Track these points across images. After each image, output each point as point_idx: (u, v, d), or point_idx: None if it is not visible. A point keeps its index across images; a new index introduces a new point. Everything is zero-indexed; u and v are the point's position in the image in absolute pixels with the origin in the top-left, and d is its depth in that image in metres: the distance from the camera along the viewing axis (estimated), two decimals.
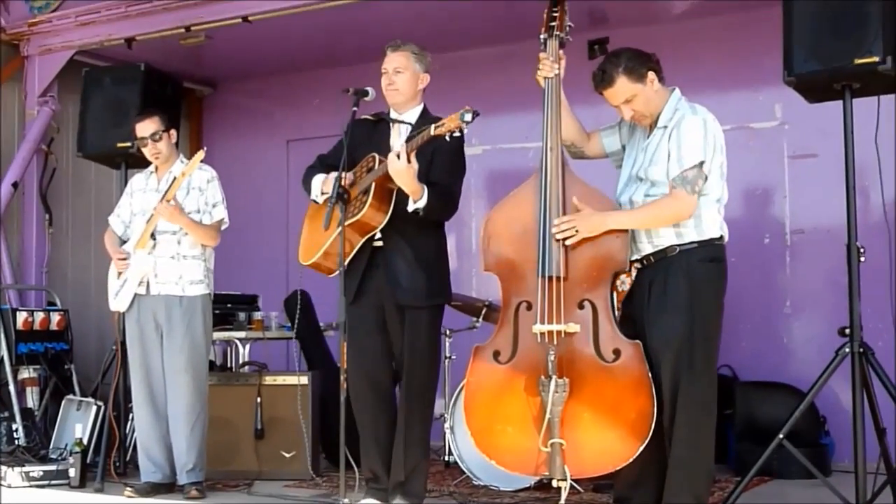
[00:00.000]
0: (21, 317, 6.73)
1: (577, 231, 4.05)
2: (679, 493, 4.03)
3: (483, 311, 6.00)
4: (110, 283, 5.65)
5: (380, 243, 4.64)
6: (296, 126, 8.35)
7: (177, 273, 5.48)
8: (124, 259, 5.55)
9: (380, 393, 4.76)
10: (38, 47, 7.61)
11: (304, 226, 4.89)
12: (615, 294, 4.18)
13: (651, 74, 4.12)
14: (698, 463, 4.06)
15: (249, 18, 6.80)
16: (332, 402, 5.45)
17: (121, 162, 6.65)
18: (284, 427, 5.95)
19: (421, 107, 4.78)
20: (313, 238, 4.73)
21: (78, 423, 6.11)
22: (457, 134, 4.24)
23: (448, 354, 6.08)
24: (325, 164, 4.86)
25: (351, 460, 4.68)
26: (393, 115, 4.78)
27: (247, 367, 6.48)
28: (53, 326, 6.88)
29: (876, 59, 4.45)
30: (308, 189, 4.81)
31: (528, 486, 5.31)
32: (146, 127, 5.58)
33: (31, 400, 6.76)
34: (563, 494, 4.07)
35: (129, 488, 5.50)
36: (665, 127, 4.10)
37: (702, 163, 4.00)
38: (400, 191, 4.48)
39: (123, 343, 5.76)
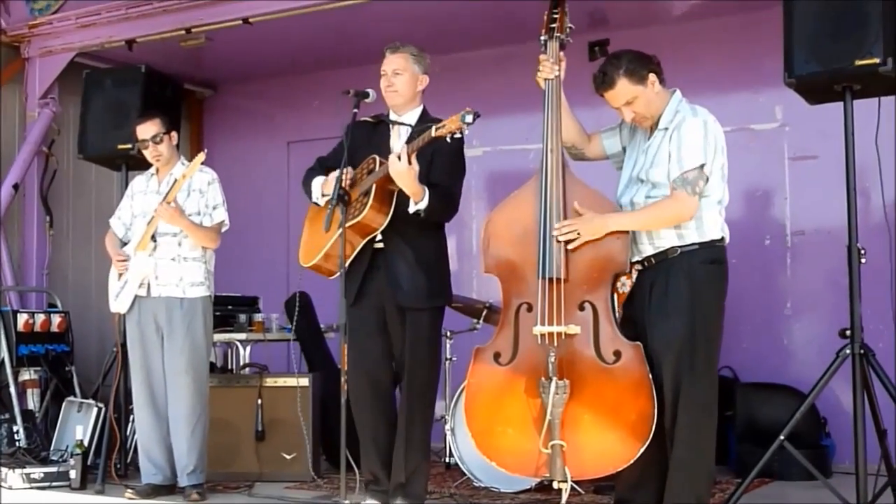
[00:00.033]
0: (22, 318, 6.74)
1: (578, 234, 4.05)
2: (680, 494, 4.03)
3: (484, 313, 5.99)
4: (111, 285, 5.65)
5: (380, 245, 4.64)
6: (296, 128, 8.35)
7: (177, 275, 5.48)
8: (124, 260, 5.55)
9: (380, 395, 4.76)
10: (39, 49, 7.62)
11: (305, 228, 4.89)
12: (616, 296, 4.18)
13: (652, 76, 4.12)
14: (699, 464, 4.06)
15: (250, 20, 6.81)
16: (333, 404, 5.44)
17: (121, 164, 6.64)
18: (285, 429, 5.95)
19: (420, 108, 4.78)
20: (314, 240, 4.73)
21: (79, 424, 6.11)
22: (457, 135, 4.24)
23: (449, 356, 6.09)
24: (324, 166, 4.86)
25: (352, 462, 4.68)
26: (392, 116, 4.78)
27: (247, 369, 6.48)
28: (54, 328, 6.88)
29: (876, 60, 4.45)
30: (308, 192, 4.81)
31: (528, 487, 5.31)
32: (147, 129, 5.58)
33: (32, 402, 6.77)
34: (564, 496, 4.08)
35: (129, 490, 5.50)
36: (666, 129, 4.10)
37: (702, 165, 4.00)
38: (401, 192, 4.48)
39: (124, 345, 5.76)
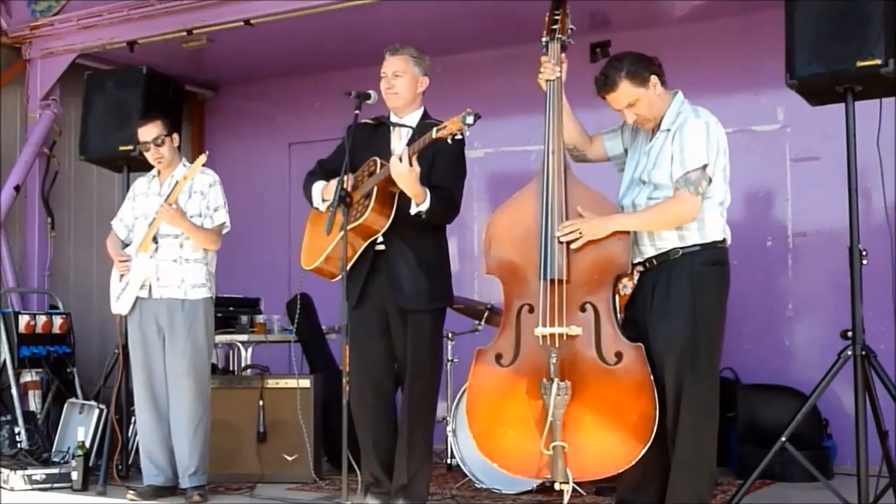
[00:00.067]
0: (23, 320, 6.75)
1: (581, 234, 4.05)
2: (682, 495, 4.03)
3: (485, 314, 5.99)
4: (112, 287, 5.65)
5: (382, 247, 4.64)
6: (297, 129, 8.36)
7: (179, 276, 5.48)
8: (125, 261, 5.55)
9: (381, 397, 4.75)
10: (40, 51, 7.62)
11: (306, 230, 4.89)
12: (617, 298, 4.18)
13: (654, 78, 4.12)
14: (701, 466, 4.06)
15: (251, 21, 6.81)
16: (335, 405, 5.44)
17: (123, 165, 6.65)
18: (287, 430, 5.95)
19: (421, 110, 4.78)
20: (315, 242, 4.73)
21: (80, 426, 6.10)
22: (458, 137, 4.24)
23: (450, 357, 6.08)
24: (325, 168, 4.86)
25: (353, 463, 4.68)
26: (393, 118, 4.78)
27: (249, 371, 6.48)
28: (56, 330, 6.89)
29: (878, 61, 4.45)
30: (308, 197, 4.81)
31: (530, 489, 5.31)
32: (148, 131, 5.58)
33: (34, 403, 6.77)
34: (566, 497, 4.08)
35: (131, 491, 5.50)
36: (668, 130, 4.10)
37: (705, 165, 4.01)
38: (402, 194, 4.48)
39: (125, 346, 5.77)
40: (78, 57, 7.53)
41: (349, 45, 7.26)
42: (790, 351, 6.62)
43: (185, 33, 7.09)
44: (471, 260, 7.51)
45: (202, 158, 5.40)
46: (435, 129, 4.27)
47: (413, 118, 4.75)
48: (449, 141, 4.26)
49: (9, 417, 6.55)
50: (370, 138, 4.77)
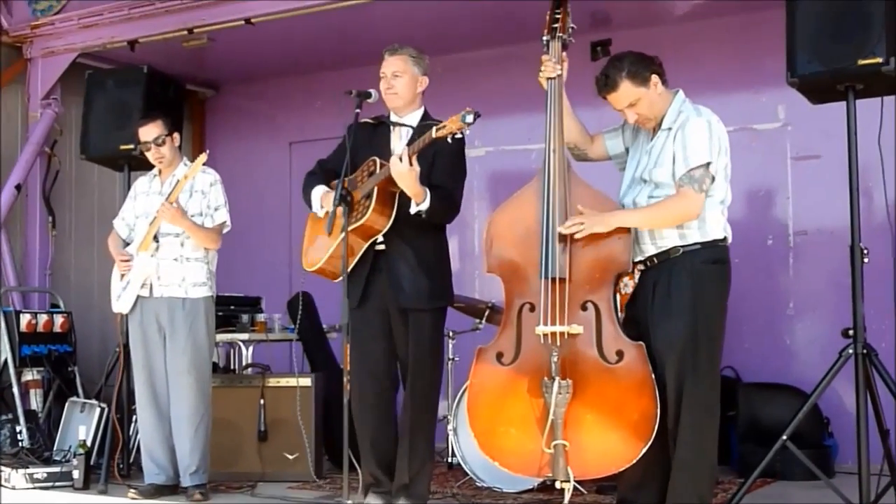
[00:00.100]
0: (24, 319, 6.75)
1: (584, 225, 4.02)
2: (683, 494, 4.03)
3: (486, 313, 5.99)
4: (113, 285, 5.65)
5: (382, 247, 4.64)
6: (298, 128, 8.36)
7: (180, 275, 5.48)
8: (127, 261, 5.55)
9: (382, 397, 4.75)
10: (41, 50, 7.62)
11: (307, 230, 4.88)
12: (618, 296, 4.18)
13: (654, 78, 4.12)
14: (702, 465, 4.07)
15: (252, 20, 6.81)
16: (336, 404, 5.44)
17: (124, 164, 6.64)
18: (288, 429, 5.95)
19: (421, 110, 4.77)
20: (317, 244, 4.73)
21: (81, 425, 6.11)
22: (458, 136, 4.24)
23: (451, 356, 6.08)
24: (324, 168, 4.87)
25: (354, 462, 4.68)
26: (393, 118, 4.78)
27: (250, 369, 6.48)
28: (57, 329, 6.89)
29: (879, 60, 4.45)
30: (308, 200, 4.81)
31: (531, 487, 5.31)
32: (149, 131, 5.58)
33: (35, 402, 6.77)
34: (567, 496, 4.08)
35: (132, 490, 5.50)
36: (669, 129, 4.10)
37: (709, 163, 4.00)
38: (402, 194, 4.47)
39: (126, 345, 5.78)
40: (79, 56, 7.54)
41: (348, 44, 7.26)
42: (791, 349, 6.62)
43: (185, 32, 7.09)
44: (471, 258, 7.51)
45: (203, 157, 5.40)
46: (434, 128, 4.27)
47: (413, 118, 4.75)
48: (449, 140, 4.26)
49: (10, 416, 6.55)
50: (370, 138, 4.77)
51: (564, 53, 4.26)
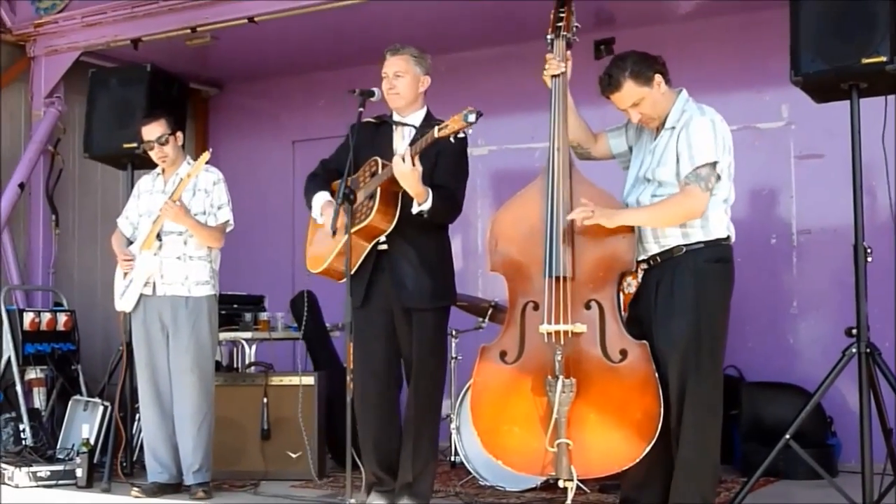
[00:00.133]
0: (28, 317, 6.75)
1: (593, 213, 4.00)
2: (685, 493, 4.03)
3: (489, 312, 5.99)
4: (116, 284, 5.65)
5: (384, 246, 4.64)
6: (301, 127, 8.36)
7: (183, 274, 5.49)
8: (129, 260, 5.55)
9: (384, 397, 4.74)
10: (45, 48, 7.62)
11: (310, 231, 4.87)
12: (621, 296, 4.18)
13: (658, 77, 4.12)
14: (704, 464, 4.06)
15: (255, 19, 6.81)
16: (339, 403, 5.45)
17: (127, 163, 6.66)
18: (291, 427, 5.94)
19: (424, 110, 4.77)
20: (320, 245, 4.73)
21: (85, 423, 6.12)
22: (461, 135, 4.24)
23: (454, 355, 6.08)
24: (327, 168, 4.87)
25: (358, 461, 4.68)
26: (396, 117, 4.77)
27: (253, 368, 6.49)
28: (60, 327, 6.90)
29: (883, 58, 4.45)
30: (309, 203, 4.80)
31: (534, 486, 5.30)
32: (152, 130, 5.59)
33: (38, 400, 6.78)
34: (570, 495, 4.08)
35: (135, 488, 5.51)
36: (673, 128, 4.10)
37: (715, 162, 4.00)
38: (404, 193, 4.47)
39: (129, 343, 5.79)
40: (82, 54, 7.54)
41: (349, 43, 7.25)
42: (794, 348, 6.62)
43: (189, 31, 7.09)
44: (474, 257, 7.51)
45: (206, 156, 5.40)
46: (437, 128, 4.26)
47: (416, 118, 4.74)
48: (452, 140, 4.25)
49: (13, 415, 6.55)
50: (373, 137, 4.76)
51: (569, 52, 4.27)
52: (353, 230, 4.44)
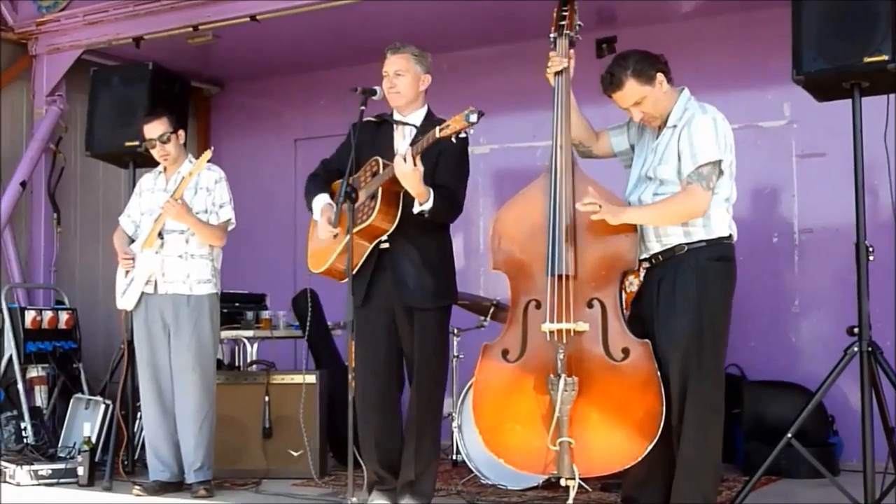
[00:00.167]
0: (29, 316, 6.75)
1: (600, 207, 3.98)
2: (687, 492, 4.03)
3: (491, 310, 5.99)
4: (118, 282, 5.65)
5: (386, 245, 4.64)
6: (303, 125, 8.36)
7: (184, 272, 5.49)
8: (129, 258, 5.55)
9: (386, 396, 4.75)
10: (46, 46, 7.62)
11: (311, 230, 4.87)
12: (623, 295, 4.18)
13: (660, 76, 4.12)
14: (706, 463, 4.06)
15: (257, 17, 6.80)
16: (340, 402, 5.45)
17: (129, 161, 6.66)
18: (292, 426, 5.94)
19: (425, 108, 4.77)
20: (322, 245, 4.73)
21: (86, 421, 6.12)
22: (462, 135, 4.24)
23: (456, 353, 6.08)
24: (328, 168, 4.87)
25: (360, 459, 4.68)
26: (396, 116, 4.77)
27: (255, 366, 6.49)
28: (62, 325, 6.89)
29: (885, 57, 4.44)
30: (309, 205, 4.80)
31: (536, 484, 5.30)
32: (154, 129, 5.59)
33: (40, 398, 6.78)
34: (572, 493, 4.09)
35: (137, 487, 5.51)
36: (674, 126, 4.10)
37: (718, 161, 4.00)
38: (406, 193, 4.47)
39: (131, 342, 5.79)
40: (84, 53, 7.53)
41: (351, 42, 7.26)
42: (796, 347, 6.61)
43: (191, 29, 7.09)
44: (476, 256, 7.51)
45: (207, 154, 5.40)
46: (438, 128, 4.26)
47: (416, 116, 4.74)
48: (453, 140, 4.25)
49: (15, 413, 6.55)
50: (374, 136, 4.76)
51: (572, 51, 4.27)
52: (354, 230, 4.44)
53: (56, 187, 7.63)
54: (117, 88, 6.76)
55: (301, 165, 7.90)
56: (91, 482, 5.78)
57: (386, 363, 4.72)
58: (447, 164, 4.59)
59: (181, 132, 5.69)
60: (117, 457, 5.94)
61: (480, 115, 4.14)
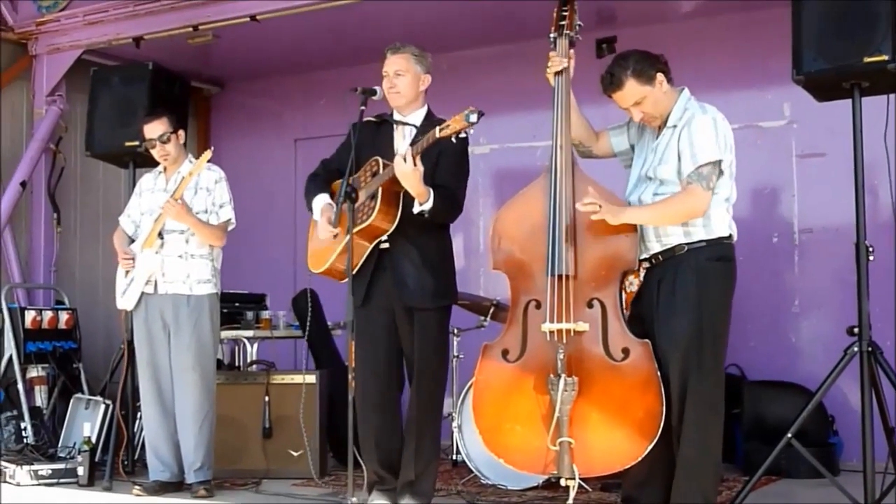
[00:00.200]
0: (29, 316, 6.75)
1: (600, 207, 3.98)
2: (687, 492, 4.03)
3: (491, 311, 5.99)
4: (118, 282, 5.65)
5: (386, 245, 4.64)
6: (303, 125, 8.36)
7: (184, 272, 5.49)
8: (128, 258, 5.55)
9: (385, 396, 4.74)
10: (47, 46, 7.62)
11: (311, 230, 4.87)
12: (623, 295, 4.18)
13: (660, 76, 4.12)
14: (706, 463, 4.06)
15: (257, 17, 6.80)
16: (340, 402, 5.45)
17: (129, 161, 6.66)
18: (292, 426, 5.94)
19: (425, 108, 4.76)
20: (322, 245, 4.73)
21: (86, 421, 6.12)
22: (462, 135, 4.24)
23: (456, 353, 6.08)
24: (328, 168, 4.87)
25: (360, 459, 4.68)
26: (396, 116, 4.77)
27: (255, 366, 6.49)
28: (62, 325, 6.89)
29: (885, 57, 4.44)
30: (309, 205, 4.80)
31: (536, 484, 5.30)
32: (154, 129, 5.59)
33: (40, 398, 6.78)
34: (572, 493, 4.09)
35: (137, 487, 5.51)
36: (674, 126, 4.10)
37: (718, 161, 4.00)
38: (406, 193, 4.47)
39: (131, 342, 5.79)
40: (84, 53, 7.53)
41: (351, 42, 7.26)
42: (796, 347, 6.61)
43: (191, 29, 7.09)
44: (476, 256, 7.51)
45: (207, 154, 5.40)
46: (438, 128, 4.26)
47: (416, 116, 4.74)
48: (453, 140, 4.25)
49: (15, 413, 6.55)
50: (374, 136, 4.76)
51: (572, 51, 4.27)
52: (354, 230, 4.44)
53: (56, 187, 7.63)
54: (117, 88, 6.77)
55: (301, 165, 7.90)
56: (91, 482, 5.78)
57: (386, 363, 4.72)
58: (447, 164, 4.59)
59: (181, 132, 5.69)
60: (117, 457, 5.95)
61: (480, 115, 4.14)
